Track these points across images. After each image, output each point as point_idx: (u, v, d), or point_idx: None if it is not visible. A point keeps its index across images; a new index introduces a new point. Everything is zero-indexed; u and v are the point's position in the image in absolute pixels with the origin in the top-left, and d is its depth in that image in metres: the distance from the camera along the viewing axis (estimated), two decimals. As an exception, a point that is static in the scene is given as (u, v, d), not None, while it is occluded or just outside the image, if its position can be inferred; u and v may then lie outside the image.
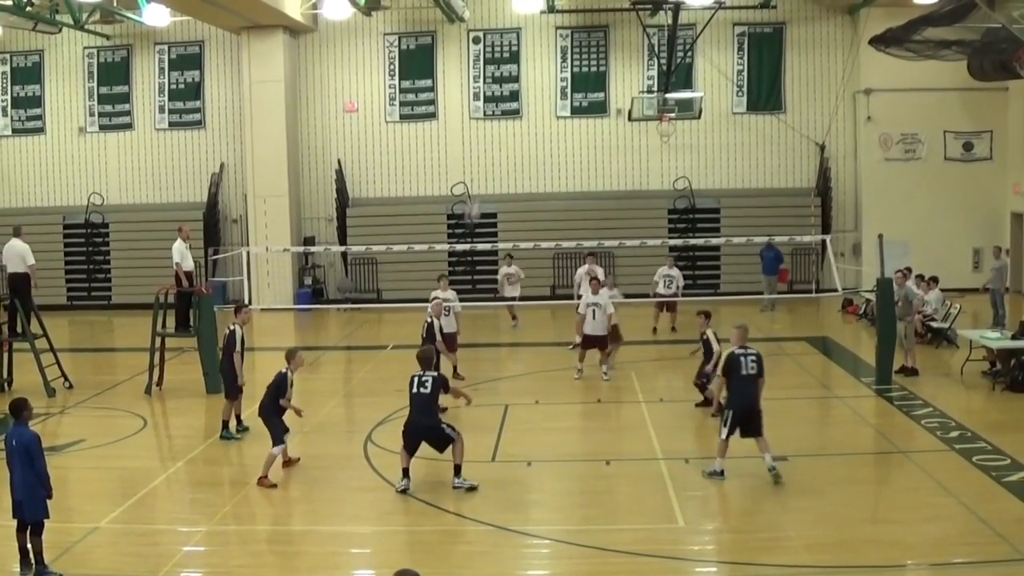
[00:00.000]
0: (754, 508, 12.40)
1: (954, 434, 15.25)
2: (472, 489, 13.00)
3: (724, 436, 13.29)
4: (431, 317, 18.37)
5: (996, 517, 11.45)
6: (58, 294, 32.80)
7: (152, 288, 20.55)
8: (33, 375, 19.37)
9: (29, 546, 10.33)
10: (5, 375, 19.93)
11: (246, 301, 24.63)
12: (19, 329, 19.83)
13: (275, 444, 13.73)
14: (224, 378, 16.42)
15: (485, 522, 11.94)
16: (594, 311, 19.67)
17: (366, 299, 32.20)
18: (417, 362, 13.66)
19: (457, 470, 13.20)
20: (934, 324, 22.73)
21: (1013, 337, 18.75)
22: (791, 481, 13.34)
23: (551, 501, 13.17)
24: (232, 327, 16.46)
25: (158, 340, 19.64)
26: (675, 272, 25.48)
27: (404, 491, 13.02)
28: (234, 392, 16.16)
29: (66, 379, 20.12)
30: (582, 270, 24.94)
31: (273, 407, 13.87)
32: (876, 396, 18.16)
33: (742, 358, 13.36)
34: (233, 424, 16.14)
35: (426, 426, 13.19)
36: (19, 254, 19.87)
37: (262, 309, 30.74)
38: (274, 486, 13.47)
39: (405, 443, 13.25)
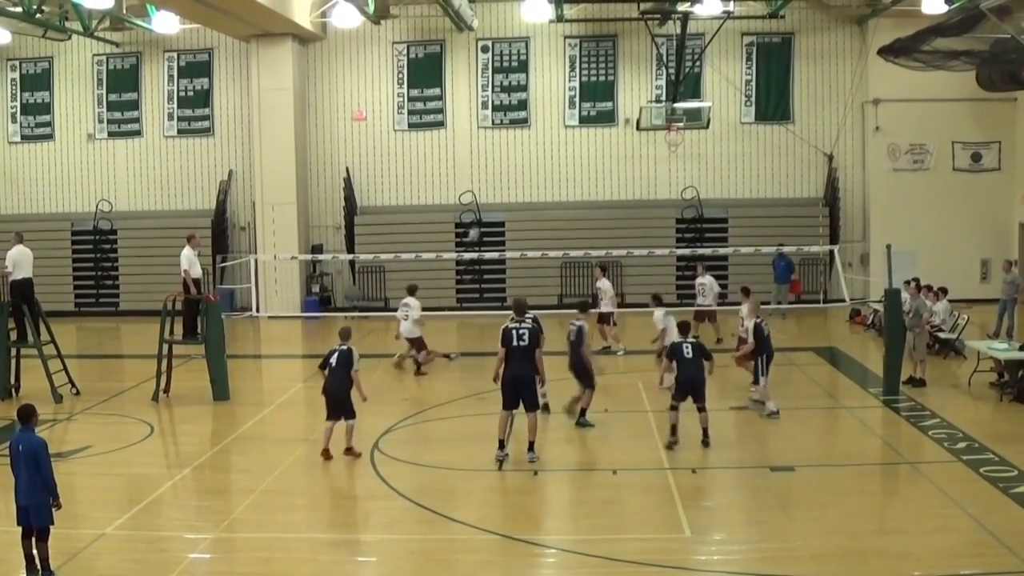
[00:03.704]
0: (760, 519, 12.36)
1: (961, 445, 15.20)
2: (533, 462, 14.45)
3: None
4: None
5: (1003, 528, 11.41)
6: (66, 300, 32.94)
7: (160, 295, 20.59)
8: (40, 381, 19.36)
9: (35, 552, 10.34)
10: (12, 381, 19.96)
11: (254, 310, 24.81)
12: (29, 337, 19.85)
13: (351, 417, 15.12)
14: (580, 371, 16.80)
15: (492, 531, 11.92)
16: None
17: (374, 307, 32.22)
18: (513, 310, 15.09)
19: (531, 446, 14.59)
20: (942, 335, 22.67)
21: (1021, 348, 18.71)
22: (798, 491, 13.33)
23: (558, 511, 13.16)
24: (578, 323, 16.85)
25: (165, 347, 19.68)
26: (707, 280, 25.03)
27: (500, 463, 14.34)
28: (591, 382, 16.76)
29: (73, 385, 20.13)
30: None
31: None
32: (883, 407, 18.12)
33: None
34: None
35: (523, 376, 14.44)
36: (30, 259, 19.97)
37: (269, 317, 30.80)
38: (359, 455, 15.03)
39: (504, 399, 14.56)
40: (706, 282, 24.91)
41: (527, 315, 15.15)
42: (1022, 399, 17.92)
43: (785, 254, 28.62)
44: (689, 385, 15.36)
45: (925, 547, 11.13)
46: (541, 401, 15.86)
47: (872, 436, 16.52)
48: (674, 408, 15.42)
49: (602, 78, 33.09)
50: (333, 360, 15.06)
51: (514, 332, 14.51)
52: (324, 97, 33.59)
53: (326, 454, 14.89)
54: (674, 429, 15.38)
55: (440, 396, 19.33)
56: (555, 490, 13.93)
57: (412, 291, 22.63)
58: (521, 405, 14.64)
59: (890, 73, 29.29)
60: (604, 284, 24.36)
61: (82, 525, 12.06)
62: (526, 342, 14.42)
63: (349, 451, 15.01)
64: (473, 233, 32.09)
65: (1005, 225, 31.75)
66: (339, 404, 14.96)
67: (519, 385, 14.47)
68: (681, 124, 30.57)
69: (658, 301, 21.49)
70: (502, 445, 14.53)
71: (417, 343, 22.30)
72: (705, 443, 15.21)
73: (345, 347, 15.13)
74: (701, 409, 15.36)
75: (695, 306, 24.97)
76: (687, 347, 15.58)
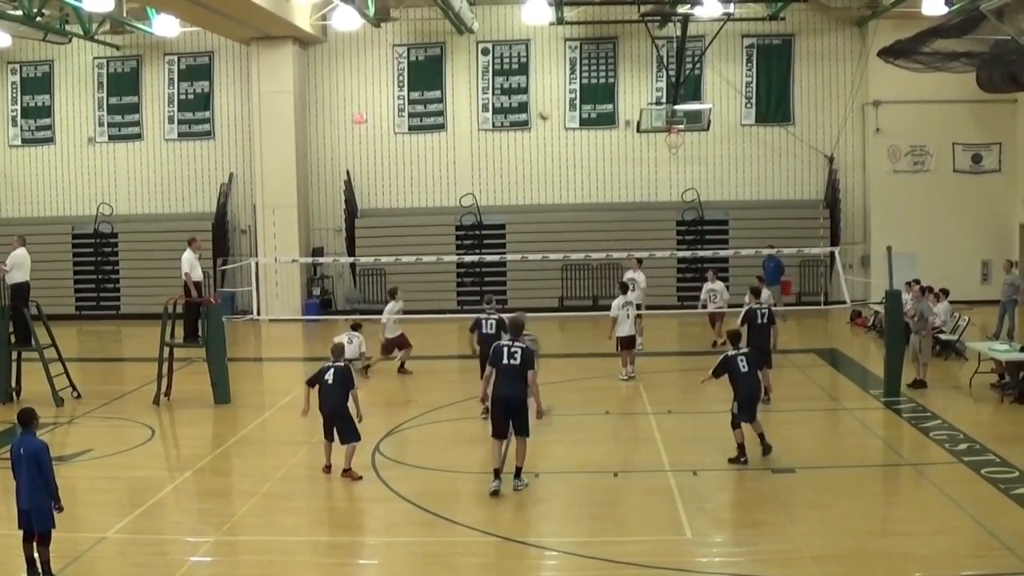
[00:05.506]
0: (762, 520, 12.36)
1: (963, 446, 15.20)
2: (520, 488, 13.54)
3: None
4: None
5: (1005, 529, 11.41)
6: (67, 304, 32.90)
7: (161, 298, 20.58)
8: (41, 384, 19.35)
9: (36, 555, 10.34)
10: (13, 384, 19.95)
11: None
12: (31, 341, 19.85)
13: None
14: (765, 353, 17.65)
15: (493, 533, 11.93)
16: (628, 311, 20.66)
17: (374, 310, 32.09)
18: (509, 330, 14.20)
19: (518, 472, 13.58)
20: (943, 336, 22.67)
21: (1022, 349, 18.70)
22: (799, 493, 13.32)
23: (559, 513, 13.15)
24: (767, 305, 18.53)
25: (167, 350, 19.67)
26: (718, 285, 24.85)
27: (495, 493, 13.23)
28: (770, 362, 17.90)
29: (74, 389, 20.12)
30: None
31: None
32: (885, 408, 18.11)
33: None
34: None
35: (513, 398, 13.35)
36: (28, 263, 19.99)
37: (270, 320, 30.80)
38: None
39: (494, 424, 13.55)
40: (717, 288, 24.73)
41: (526, 335, 14.41)
42: (1023, 400, 17.92)
43: (774, 255, 28.58)
44: (750, 402, 14.40)
45: (927, 548, 11.14)
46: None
47: (873, 437, 16.52)
48: (737, 426, 14.35)
49: (602, 80, 33.09)
50: (329, 377, 14.12)
51: (505, 349, 13.49)
52: (324, 100, 33.59)
53: (327, 470, 14.34)
54: (742, 448, 14.31)
55: (441, 399, 19.32)
56: (556, 492, 13.89)
57: (392, 294, 22.85)
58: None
59: (890, 75, 29.28)
60: (639, 276, 24.16)
61: (83, 528, 12.07)
62: (518, 361, 13.33)
63: (347, 472, 14.16)
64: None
65: (1006, 226, 31.73)
66: (339, 424, 14.16)
67: (510, 408, 13.35)
68: (681, 126, 30.57)
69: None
70: (497, 475, 13.41)
71: (392, 343, 22.34)
72: (766, 449, 14.37)
73: (341, 364, 14.32)
74: (751, 419, 14.46)
75: (711, 308, 24.83)
76: (741, 360, 14.43)
